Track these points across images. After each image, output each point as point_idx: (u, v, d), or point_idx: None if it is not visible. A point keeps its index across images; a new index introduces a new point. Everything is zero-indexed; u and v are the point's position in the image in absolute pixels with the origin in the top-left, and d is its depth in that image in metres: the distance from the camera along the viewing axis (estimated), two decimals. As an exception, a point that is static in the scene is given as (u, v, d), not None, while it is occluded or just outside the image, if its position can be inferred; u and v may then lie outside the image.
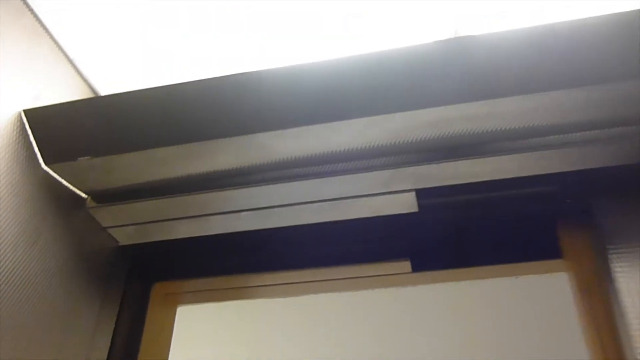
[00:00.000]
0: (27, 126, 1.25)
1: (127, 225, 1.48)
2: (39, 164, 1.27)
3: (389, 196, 1.35)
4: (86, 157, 1.27)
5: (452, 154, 1.27)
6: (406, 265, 1.48)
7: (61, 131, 1.26)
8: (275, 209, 1.41)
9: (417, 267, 1.48)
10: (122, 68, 1.46)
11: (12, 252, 1.15)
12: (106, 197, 1.41)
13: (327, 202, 1.38)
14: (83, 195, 1.40)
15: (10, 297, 1.13)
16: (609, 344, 1.23)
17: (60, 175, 1.32)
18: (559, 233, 1.39)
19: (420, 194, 1.35)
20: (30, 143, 1.25)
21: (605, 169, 1.27)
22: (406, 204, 1.38)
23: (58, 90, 1.36)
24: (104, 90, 1.51)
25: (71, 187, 1.36)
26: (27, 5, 1.29)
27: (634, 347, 1.13)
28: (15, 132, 1.21)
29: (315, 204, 1.39)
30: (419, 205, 1.38)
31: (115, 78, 1.48)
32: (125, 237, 1.52)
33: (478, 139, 1.23)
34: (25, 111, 1.24)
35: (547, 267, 1.43)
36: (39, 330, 1.20)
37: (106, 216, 1.44)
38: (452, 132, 1.20)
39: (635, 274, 1.20)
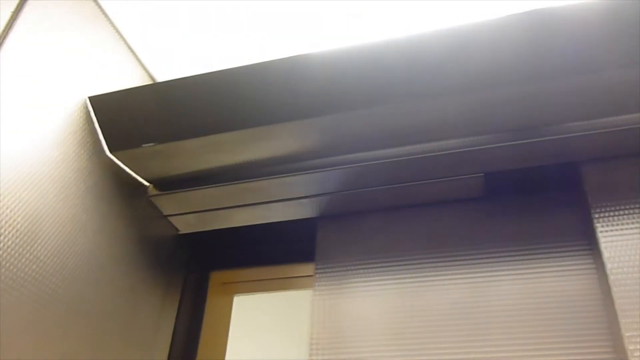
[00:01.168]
0: (92, 113, 1.25)
1: (188, 213, 1.47)
2: (104, 151, 1.27)
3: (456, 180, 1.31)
4: (150, 144, 1.27)
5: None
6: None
7: (125, 118, 1.26)
8: (337, 194, 1.39)
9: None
10: (178, 54, 1.45)
11: (82, 237, 1.15)
12: (167, 184, 1.41)
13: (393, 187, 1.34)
14: (145, 183, 1.40)
15: (82, 281, 1.14)
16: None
17: (124, 163, 1.32)
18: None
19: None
20: (96, 130, 1.25)
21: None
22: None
23: (119, 76, 1.36)
24: (160, 77, 1.50)
25: (134, 174, 1.36)
26: (90, -7, 1.30)
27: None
28: (81, 119, 1.21)
29: (380, 189, 1.36)
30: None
31: (171, 64, 1.48)
32: (185, 225, 1.51)
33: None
34: (90, 98, 1.24)
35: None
36: (107, 316, 1.20)
37: (167, 204, 1.44)
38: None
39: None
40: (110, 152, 1.28)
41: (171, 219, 1.48)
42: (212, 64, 1.45)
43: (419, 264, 1.33)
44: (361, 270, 1.37)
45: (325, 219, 1.48)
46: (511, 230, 1.31)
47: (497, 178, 1.32)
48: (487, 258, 1.29)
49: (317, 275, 1.38)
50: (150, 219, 1.42)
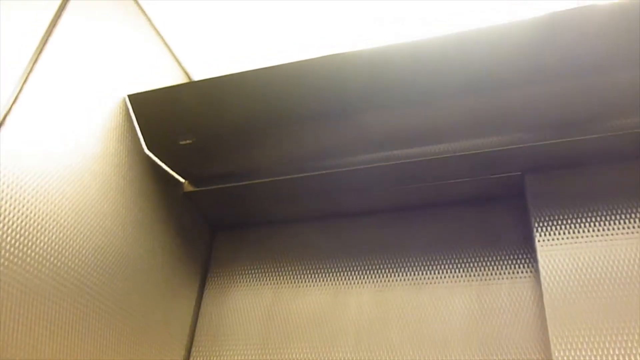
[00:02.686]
0: (130, 111, 1.27)
1: (223, 209, 1.49)
2: (142, 148, 1.29)
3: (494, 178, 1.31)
4: (187, 141, 1.29)
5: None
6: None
7: (162, 115, 1.28)
8: (373, 191, 1.39)
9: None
10: (215, 52, 1.47)
11: (121, 232, 1.17)
12: (203, 181, 1.43)
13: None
14: (181, 179, 1.42)
15: (121, 276, 1.16)
16: None
17: (161, 159, 1.35)
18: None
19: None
20: (134, 127, 1.28)
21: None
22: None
23: (157, 75, 1.38)
24: (197, 75, 1.52)
25: (170, 170, 1.38)
26: (129, -8, 1.32)
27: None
28: (121, 116, 1.24)
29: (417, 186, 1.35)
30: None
31: (208, 63, 1.49)
32: (220, 220, 1.53)
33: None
34: (129, 96, 1.26)
35: None
36: (145, 310, 1.22)
37: (203, 200, 1.45)
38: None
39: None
40: (148, 148, 1.31)
41: (206, 214, 1.50)
42: (248, 62, 1.46)
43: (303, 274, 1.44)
44: (246, 278, 1.48)
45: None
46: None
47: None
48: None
49: (209, 279, 1.50)
50: (186, 214, 1.44)
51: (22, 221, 0.94)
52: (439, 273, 1.31)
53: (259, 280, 1.47)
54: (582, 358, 1.01)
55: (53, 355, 0.96)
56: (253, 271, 1.49)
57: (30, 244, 0.95)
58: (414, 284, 1.31)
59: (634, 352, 0.99)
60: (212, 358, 1.38)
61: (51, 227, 1.00)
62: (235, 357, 1.35)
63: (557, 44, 1.04)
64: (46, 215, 0.99)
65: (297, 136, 1.27)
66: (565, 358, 1.02)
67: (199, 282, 1.46)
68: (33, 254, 0.95)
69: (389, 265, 1.37)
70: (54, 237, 1.00)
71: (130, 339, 1.16)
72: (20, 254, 0.92)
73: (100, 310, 1.09)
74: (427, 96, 1.15)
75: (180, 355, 1.34)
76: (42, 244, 0.97)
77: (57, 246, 1.00)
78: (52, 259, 0.99)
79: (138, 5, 1.34)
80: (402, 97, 1.16)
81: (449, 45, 1.08)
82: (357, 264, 1.40)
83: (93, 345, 1.06)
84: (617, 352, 1.00)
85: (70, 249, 1.04)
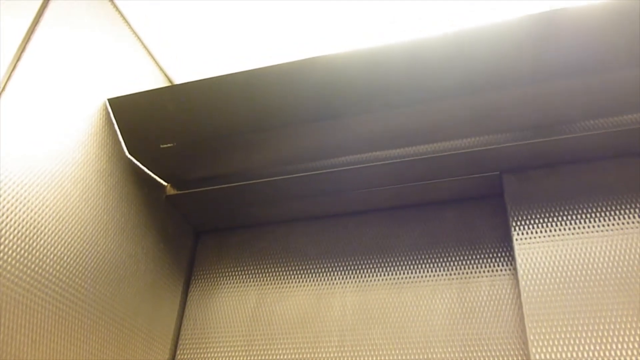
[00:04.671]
0: (111, 115, 1.27)
1: (206, 212, 1.49)
2: (123, 152, 1.29)
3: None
4: (168, 145, 1.29)
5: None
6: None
7: (143, 119, 1.28)
8: (355, 192, 1.40)
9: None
10: (196, 56, 1.47)
11: (103, 238, 1.17)
12: (185, 184, 1.43)
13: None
14: (163, 182, 1.42)
15: (104, 281, 1.16)
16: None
17: (143, 163, 1.34)
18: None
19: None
20: (115, 131, 1.27)
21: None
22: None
23: (137, 79, 1.38)
24: (178, 79, 1.52)
25: (152, 174, 1.38)
26: (108, -4, 1.31)
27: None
28: (101, 121, 1.23)
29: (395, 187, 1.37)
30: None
31: (189, 66, 1.49)
32: (203, 223, 1.53)
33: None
34: (110, 100, 1.26)
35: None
36: (128, 315, 1.22)
37: (185, 203, 1.46)
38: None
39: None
40: (129, 153, 1.30)
41: (189, 217, 1.50)
42: (229, 66, 1.46)
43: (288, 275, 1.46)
44: (230, 281, 1.49)
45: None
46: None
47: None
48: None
49: (192, 283, 1.51)
50: (168, 218, 1.44)
51: (1, 229, 0.93)
52: (420, 272, 1.33)
53: (243, 282, 1.47)
54: (558, 354, 1.04)
55: (35, 362, 0.96)
56: (237, 274, 1.50)
57: (10, 251, 0.94)
58: (396, 283, 1.33)
59: (610, 347, 1.02)
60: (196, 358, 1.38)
61: (31, 234, 0.99)
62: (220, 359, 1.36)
63: (534, 47, 1.06)
64: (26, 222, 0.98)
65: (279, 139, 1.28)
66: (542, 354, 1.04)
67: (182, 286, 1.47)
68: (13, 261, 0.94)
69: (371, 266, 1.38)
70: (34, 244, 1.00)
71: (114, 344, 1.16)
72: (0, 262, 0.92)
73: (83, 317, 1.08)
74: (407, 99, 1.16)
75: (164, 359, 1.34)
76: (22, 251, 0.97)
77: (37, 253, 1.00)
78: (32, 266, 0.98)
79: (117, 10, 1.34)
80: (382, 100, 1.17)
81: (428, 48, 1.10)
82: (340, 265, 1.41)
83: (76, 352, 1.06)
84: (594, 349, 1.03)
85: (52, 255, 1.03)
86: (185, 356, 1.39)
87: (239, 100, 1.23)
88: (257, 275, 1.47)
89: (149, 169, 1.36)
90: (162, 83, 1.48)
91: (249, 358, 1.34)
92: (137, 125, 1.28)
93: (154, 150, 1.31)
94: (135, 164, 1.33)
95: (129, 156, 1.31)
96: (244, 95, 1.22)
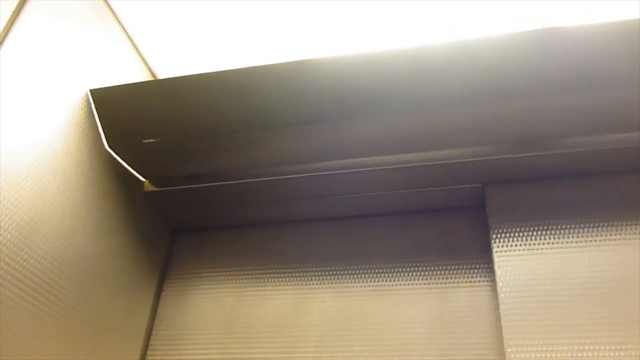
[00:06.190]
0: (93, 107, 1.23)
1: (185, 211, 1.46)
2: (103, 145, 1.25)
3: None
4: (150, 140, 1.26)
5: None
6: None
7: (125, 113, 1.24)
8: (338, 197, 1.39)
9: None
10: (181, 51, 1.44)
11: (80, 232, 1.13)
12: (165, 181, 1.39)
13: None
14: (142, 178, 1.38)
15: (80, 277, 1.12)
16: None
17: (122, 158, 1.30)
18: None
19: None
20: (96, 124, 1.23)
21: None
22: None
23: (120, 71, 1.34)
24: (162, 74, 1.49)
25: (131, 170, 1.34)
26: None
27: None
28: (83, 112, 1.19)
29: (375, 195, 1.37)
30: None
31: (174, 61, 1.46)
32: (181, 222, 1.50)
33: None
34: (92, 91, 1.22)
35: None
36: (104, 312, 1.18)
37: (164, 201, 1.42)
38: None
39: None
40: (110, 146, 1.26)
41: (167, 214, 1.47)
42: (215, 63, 1.44)
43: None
44: (206, 282, 1.47)
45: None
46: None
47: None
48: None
49: (167, 282, 1.48)
50: (146, 215, 1.40)
51: (-23, 219, 0.89)
52: (400, 280, 1.33)
53: (220, 284, 1.45)
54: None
55: (5, 360, 0.92)
56: (214, 275, 1.47)
57: (-15, 243, 0.90)
58: (376, 290, 1.33)
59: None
60: (168, 362, 1.35)
61: (7, 225, 0.95)
62: (193, 362, 1.33)
63: (523, 64, 1.08)
64: (2, 213, 0.94)
65: (264, 141, 1.26)
66: None
67: (157, 285, 1.43)
68: (-12, 254, 0.90)
69: (351, 272, 1.37)
70: (9, 236, 0.95)
71: (86, 343, 1.12)
72: (-25, 254, 0.88)
73: (56, 314, 1.04)
74: (392, 107, 1.17)
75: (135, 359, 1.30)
76: (-3, 244, 0.92)
77: (12, 246, 0.96)
78: (7, 259, 0.94)
79: (105, 1, 1.30)
80: (368, 107, 1.17)
81: (417, 59, 1.10)
82: (319, 270, 1.40)
83: (48, 350, 1.01)
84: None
85: (27, 249, 0.99)
86: (156, 357, 1.36)
87: (227, 99, 1.21)
88: (235, 277, 1.45)
89: (128, 164, 1.33)
90: (146, 77, 1.45)
91: (223, 361, 1.31)
92: (118, 118, 1.24)
93: (134, 145, 1.28)
94: (115, 159, 1.29)
95: (109, 150, 1.27)
96: (232, 95, 1.20)
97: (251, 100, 1.20)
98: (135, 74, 1.39)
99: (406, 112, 1.17)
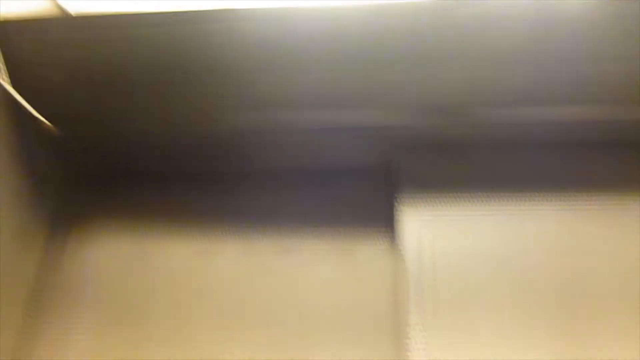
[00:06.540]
0: (-6, 37, 1.12)
1: (89, 158, 1.40)
2: (4, 82, 1.15)
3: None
4: (55, 80, 1.17)
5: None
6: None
7: (33, 48, 1.14)
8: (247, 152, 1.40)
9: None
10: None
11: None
12: (68, 125, 1.31)
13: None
14: (46, 121, 1.29)
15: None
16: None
17: (24, 97, 1.21)
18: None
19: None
20: (-1, 57, 1.13)
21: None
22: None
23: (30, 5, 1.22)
24: (73, 9, 1.37)
25: (33, 111, 1.25)
26: None
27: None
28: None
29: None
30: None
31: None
32: (85, 169, 1.44)
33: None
34: (-5, 20, 1.11)
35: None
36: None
37: (66, 146, 1.35)
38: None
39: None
40: (12, 84, 1.16)
41: (69, 162, 1.39)
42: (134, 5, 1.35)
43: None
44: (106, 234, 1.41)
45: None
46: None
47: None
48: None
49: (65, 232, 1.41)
50: (45, 160, 1.33)
51: None
52: (305, 240, 1.36)
53: (121, 236, 1.40)
54: (437, 328, 1.11)
55: None
56: (114, 227, 1.42)
57: None
58: (281, 249, 1.35)
59: (492, 328, 1.10)
60: (61, 319, 1.29)
61: None
62: (90, 319, 1.28)
63: (448, 30, 1.08)
64: None
65: (177, 90, 1.22)
66: (420, 330, 1.11)
67: (53, 236, 1.36)
68: None
69: (258, 229, 1.38)
70: None
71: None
72: None
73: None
74: (308, 65, 1.15)
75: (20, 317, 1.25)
76: None
77: None
78: None
79: None
80: (290, 62, 1.15)
81: (337, 17, 1.08)
82: (226, 225, 1.40)
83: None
84: (474, 328, 1.10)
85: None
86: (48, 314, 1.29)
87: (140, 43, 1.13)
88: (138, 231, 1.41)
89: (31, 105, 1.23)
90: (51, 10, 1.33)
91: (123, 317, 1.29)
92: (24, 53, 1.14)
93: (39, 84, 1.19)
94: (15, 98, 1.19)
95: (10, 88, 1.17)
96: (146, 39, 1.12)
97: (171, 47, 1.13)
98: (46, 8, 1.27)
99: (322, 72, 1.17)
